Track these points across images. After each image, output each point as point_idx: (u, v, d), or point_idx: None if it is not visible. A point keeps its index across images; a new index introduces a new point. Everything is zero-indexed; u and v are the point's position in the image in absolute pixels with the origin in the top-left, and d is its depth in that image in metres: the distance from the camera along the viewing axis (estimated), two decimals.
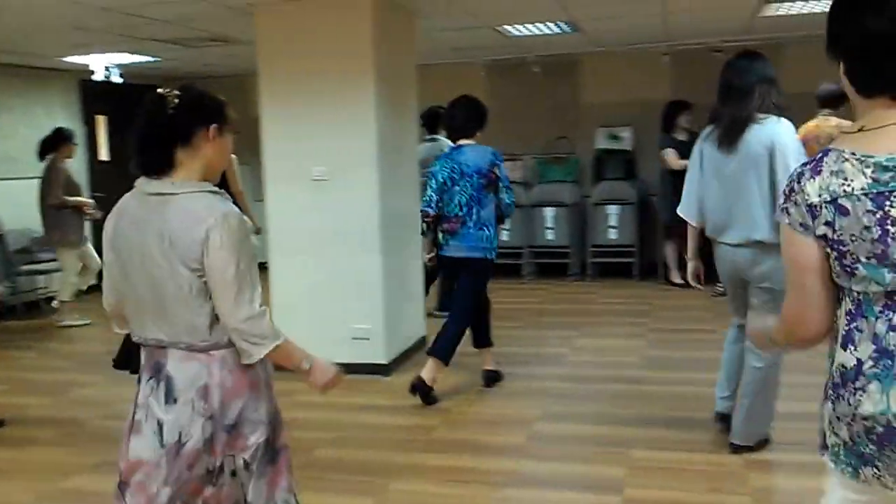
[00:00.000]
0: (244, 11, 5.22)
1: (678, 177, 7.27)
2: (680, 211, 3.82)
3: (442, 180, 4.63)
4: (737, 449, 3.72)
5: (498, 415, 4.55)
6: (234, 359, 2.05)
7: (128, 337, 2.29)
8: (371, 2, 4.96)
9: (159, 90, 2.07)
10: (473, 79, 8.41)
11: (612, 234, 7.96)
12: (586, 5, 5.66)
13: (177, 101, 2.04)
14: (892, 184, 1.49)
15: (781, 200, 1.63)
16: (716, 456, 3.74)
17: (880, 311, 1.55)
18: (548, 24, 6.38)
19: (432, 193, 4.65)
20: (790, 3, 5.83)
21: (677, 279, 7.47)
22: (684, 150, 7.18)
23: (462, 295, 4.77)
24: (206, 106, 2.10)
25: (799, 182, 1.59)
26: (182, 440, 2.03)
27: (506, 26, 6.45)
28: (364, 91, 5.04)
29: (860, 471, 1.63)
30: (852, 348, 1.59)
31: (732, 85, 3.52)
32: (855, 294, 1.58)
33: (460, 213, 4.61)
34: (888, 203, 1.49)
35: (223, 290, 1.98)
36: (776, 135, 3.41)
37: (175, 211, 2.00)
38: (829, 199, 1.53)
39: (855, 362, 1.58)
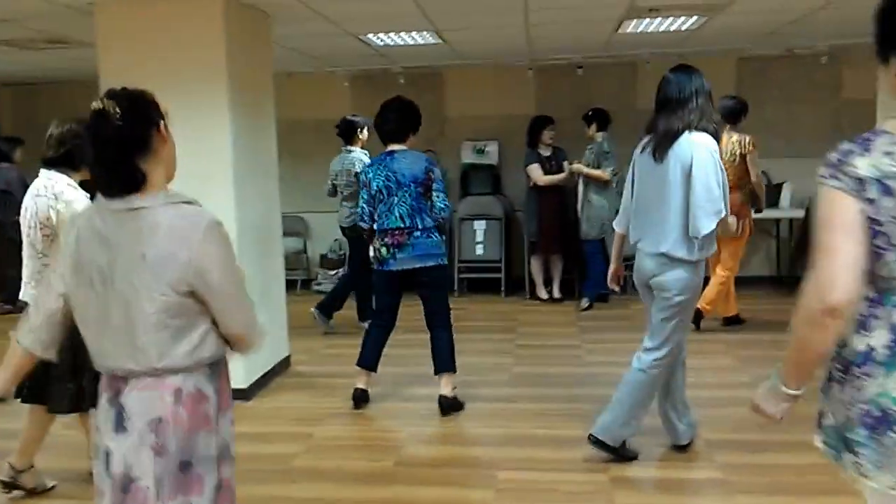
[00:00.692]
0: (84, 10, 4.78)
1: (543, 192, 7.38)
2: (615, 223, 3.89)
3: (377, 189, 4.44)
4: (596, 442, 3.71)
5: (364, 439, 4.33)
6: (196, 388, 1.93)
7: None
8: (222, 0, 4.64)
9: (95, 105, 1.89)
10: (338, 89, 8.19)
11: (479, 250, 7.89)
12: (449, 16, 5.57)
13: (118, 109, 1.87)
14: None
15: (826, 171, 1.63)
16: (585, 475, 3.67)
17: None
18: (412, 34, 6.25)
19: (365, 205, 4.48)
20: (648, 21, 5.95)
21: (543, 294, 7.50)
22: (549, 166, 7.25)
23: (437, 306, 4.56)
24: (147, 104, 1.96)
25: (848, 156, 1.61)
26: (131, 475, 1.90)
27: (369, 35, 6.27)
28: (217, 98, 4.70)
29: (842, 455, 1.68)
30: (865, 333, 1.63)
31: (670, 97, 3.54)
32: (879, 282, 1.61)
33: (404, 226, 4.41)
34: None
35: (229, 300, 1.94)
36: (698, 149, 3.42)
37: (153, 228, 1.86)
38: (877, 176, 1.57)
39: (865, 348, 1.63)
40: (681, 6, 5.51)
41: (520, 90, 8.13)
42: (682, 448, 3.86)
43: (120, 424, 1.90)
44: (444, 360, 4.55)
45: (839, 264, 1.58)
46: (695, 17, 5.93)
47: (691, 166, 3.40)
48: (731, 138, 5.71)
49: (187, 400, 1.91)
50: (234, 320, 1.96)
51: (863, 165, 1.59)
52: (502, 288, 7.83)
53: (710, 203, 3.39)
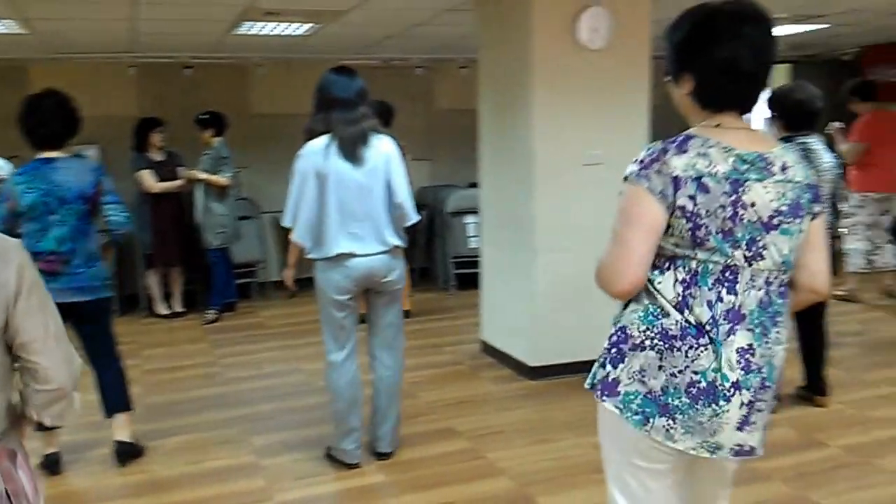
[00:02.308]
0: None
1: (157, 200, 6.82)
2: (295, 236, 3.54)
3: (29, 204, 3.52)
4: (389, 455, 3.77)
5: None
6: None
7: None
8: None
9: None
10: None
11: None
12: (41, 2, 4.84)
13: None
14: (746, 174, 1.75)
15: (636, 168, 1.77)
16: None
17: (713, 284, 1.77)
18: None
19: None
20: (262, 24, 5.83)
21: (163, 310, 6.96)
22: (161, 171, 6.73)
23: (103, 344, 3.80)
24: None
25: (663, 155, 1.75)
26: None
27: None
28: None
29: (650, 420, 1.78)
30: (688, 312, 1.77)
31: (336, 98, 3.49)
32: (693, 265, 1.77)
33: (62, 251, 3.56)
34: (741, 189, 1.74)
35: (54, 339, 1.65)
36: (390, 147, 3.58)
37: None
38: (694, 175, 1.73)
39: (694, 322, 1.76)
40: (297, 12, 5.49)
41: (121, 89, 7.39)
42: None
43: None
44: (117, 398, 3.86)
45: (630, 260, 1.78)
46: (309, 25, 5.97)
47: (390, 164, 3.54)
48: None
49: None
50: (59, 363, 1.68)
51: (679, 165, 1.73)
52: (115, 307, 7.06)
53: (411, 195, 3.65)
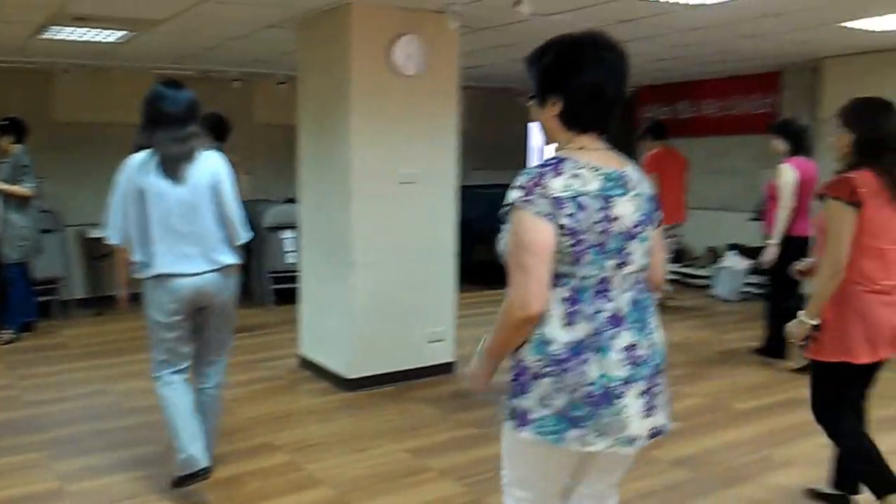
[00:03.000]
0: None
1: None
2: (120, 242, 3.44)
3: None
4: (209, 470, 3.51)
5: None
6: None
7: None
8: None
9: None
10: None
11: None
12: None
13: None
14: (613, 190, 1.92)
15: (521, 194, 1.88)
16: None
17: (593, 297, 1.92)
18: None
19: None
20: (71, 29, 5.59)
21: None
22: None
23: None
24: None
25: (542, 179, 1.88)
26: None
27: None
28: None
29: (565, 435, 1.93)
30: (574, 328, 1.91)
31: (164, 113, 3.39)
32: (574, 282, 1.91)
33: None
34: (610, 204, 1.91)
35: None
36: (220, 164, 3.50)
37: None
38: (572, 195, 1.87)
39: (576, 340, 1.91)
40: (110, 19, 5.33)
41: None
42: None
43: None
44: None
45: (536, 284, 1.87)
46: (123, 32, 5.79)
47: (220, 181, 3.47)
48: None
49: None
50: None
51: (558, 186, 1.87)
52: None
53: (241, 213, 3.59)
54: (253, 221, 7.75)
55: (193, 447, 3.46)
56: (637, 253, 1.98)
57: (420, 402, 4.90)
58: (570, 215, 1.87)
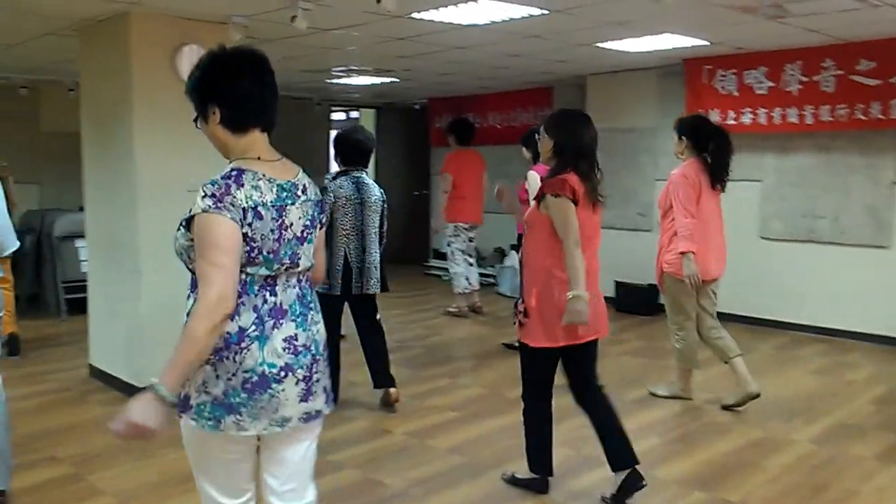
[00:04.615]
0: None
1: None
2: None
3: None
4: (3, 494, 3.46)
5: None
6: None
7: None
8: None
9: None
10: None
11: None
12: None
13: None
14: (286, 200, 2.12)
15: (213, 202, 1.99)
16: None
17: (258, 290, 2.10)
18: None
19: None
20: None
21: None
22: None
23: None
24: None
25: (229, 189, 2.02)
26: None
27: None
28: None
29: (222, 421, 2.08)
30: (238, 318, 2.06)
31: None
32: (243, 277, 2.06)
33: None
34: (283, 214, 2.10)
35: None
36: None
37: None
38: (252, 205, 2.04)
39: (238, 329, 2.06)
40: None
41: None
42: None
43: None
44: None
45: (230, 280, 1.99)
46: None
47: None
48: None
49: None
50: None
51: (242, 197, 2.02)
52: None
53: (9, 222, 3.72)
54: (43, 230, 7.55)
55: None
56: (305, 255, 2.18)
57: None
58: (250, 224, 2.03)
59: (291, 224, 2.12)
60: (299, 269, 2.18)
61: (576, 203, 3.33)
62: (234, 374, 2.07)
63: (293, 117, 9.91)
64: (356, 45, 6.21)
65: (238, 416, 2.08)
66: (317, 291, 4.71)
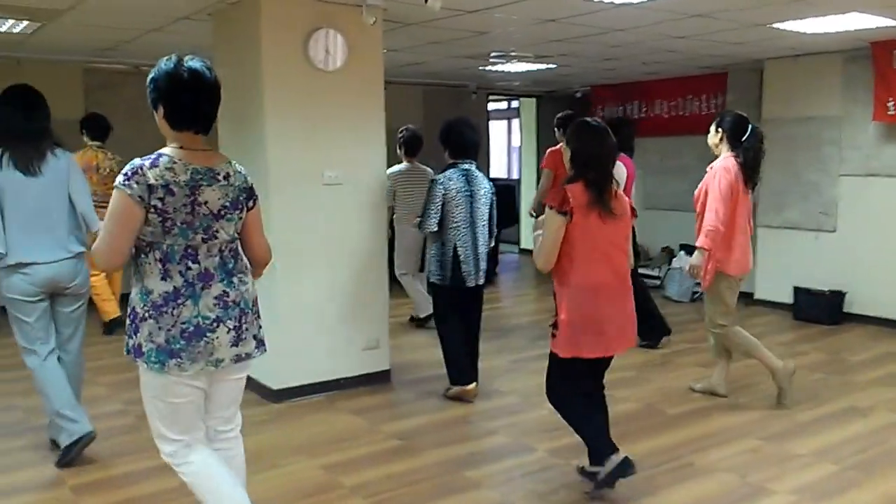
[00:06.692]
0: None
1: None
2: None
3: None
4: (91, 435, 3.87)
5: None
6: None
7: None
8: None
9: None
10: None
11: None
12: None
13: None
14: (201, 182, 2.53)
15: (123, 179, 2.44)
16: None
17: (180, 259, 2.53)
18: None
19: None
20: None
21: None
22: None
23: None
24: None
25: (141, 170, 2.45)
26: None
27: None
28: None
29: (165, 364, 2.52)
30: (170, 280, 2.52)
31: (16, 113, 3.76)
32: (164, 247, 2.51)
33: None
34: (196, 192, 2.52)
35: None
36: (72, 160, 3.96)
37: None
38: (164, 183, 2.46)
39: (172, 289, 2.53)
40: (9, 8, 4.99)
41: None
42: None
43: None
44: None
45: (116, 248, 2.48)
46: (25, 22, 5.45)
47: (70, 177, 3.86)
48: (106, 154, 6.50)
49: None
50: None
51: (153, 175, 2.45)
52: None
53: (91, 206, 3.95)
54: None
55: (75, 425, 3.81)
56: (224, 230, 2.60)
57: (348, 412, 4.69)
58: (161, 199, 2.45)
59: (206, 202, 2.54)
60: (218, 240, 2.59)
61: (570, 214, 3.33)
62: (173, 326, 2.53)
63: (446, 106, 9.22)
64: (499, 28, 5.77)
65: (179, 360, 2.53)
66: (431, 282, 4.94)
